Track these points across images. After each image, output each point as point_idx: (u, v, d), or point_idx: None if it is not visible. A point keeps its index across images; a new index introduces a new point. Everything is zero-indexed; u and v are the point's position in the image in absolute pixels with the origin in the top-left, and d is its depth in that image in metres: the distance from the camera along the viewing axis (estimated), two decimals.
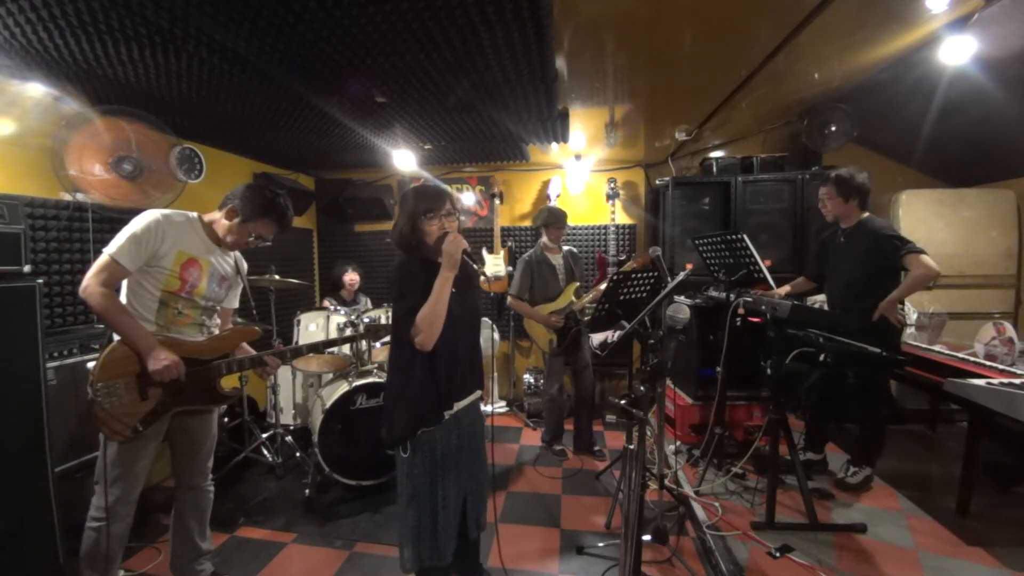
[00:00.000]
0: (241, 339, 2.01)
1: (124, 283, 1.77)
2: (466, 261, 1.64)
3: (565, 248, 3.51)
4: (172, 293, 1.81)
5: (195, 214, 1.91)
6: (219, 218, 1.90)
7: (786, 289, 2.95)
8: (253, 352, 2.01)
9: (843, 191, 2.63)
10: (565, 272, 3.45)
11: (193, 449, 1.99)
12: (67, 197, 2.58)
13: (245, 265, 2.12)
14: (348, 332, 3.23)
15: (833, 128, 3.52)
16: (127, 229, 1.73)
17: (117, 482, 1.75)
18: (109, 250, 1.69)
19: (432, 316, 1.57)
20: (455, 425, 1.75)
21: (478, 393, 1.88)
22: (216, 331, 2.00)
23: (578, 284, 3.44)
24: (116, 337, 1.71)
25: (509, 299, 3.44)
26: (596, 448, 3.55)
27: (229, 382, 3.78)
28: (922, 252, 2.45)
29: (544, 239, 3.46)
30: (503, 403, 4.59)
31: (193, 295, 1.86)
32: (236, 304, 2.13)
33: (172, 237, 1.78)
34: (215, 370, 1.89)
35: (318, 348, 2.24)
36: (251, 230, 1.89)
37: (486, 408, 1.93)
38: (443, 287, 1.59)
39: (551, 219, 3.38)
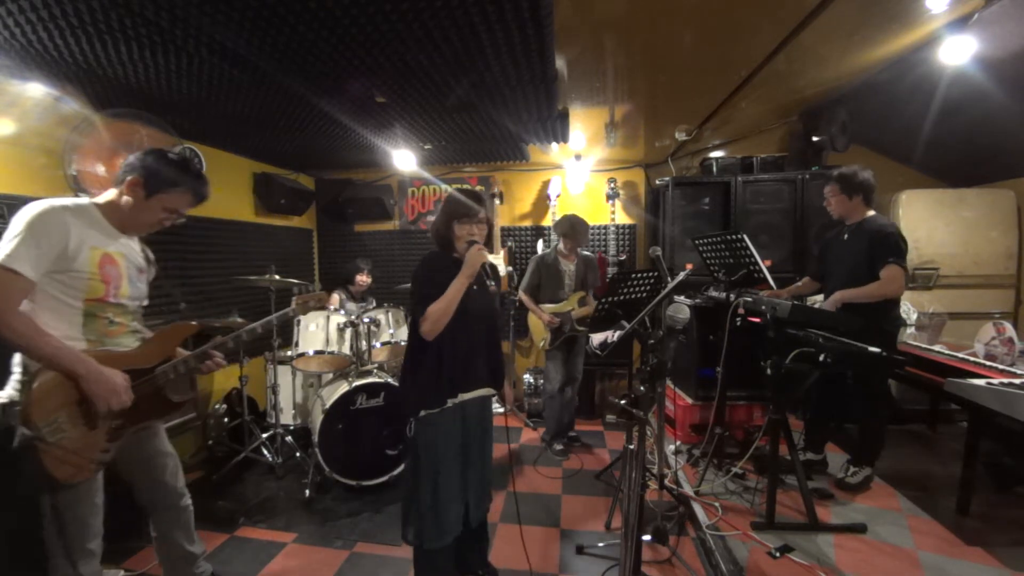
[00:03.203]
0: (180, 337, 1.79)
1: (25, 300, 1.40)
2: (483, 273, 1.79)
3: (583, 253, 3.57)
4: (99, 300, 1.53)
5: (86, 199, 1.58)
6: (116, 197, 1.58)
7: (791, 289, 2.95)
8: (184, 352, 1.78)
9: (846, 188, 2.63)
10: (576, 280, 3.52)
11: (156, 475, 1.78)
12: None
13: (150, 252, 1.84)
14: (348, 332, 3.22)
15: (844, 125, 3.54)
16: (16, 227, 1.37)
17: (83, 528, 1.53)
18: None
19: (441, 312, 1.72)
20: (459, 415, 1.85)
21: (490, 391, 1.98)
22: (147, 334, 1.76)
23: (583, 294, 3.49)
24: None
25: (520, 292, 3.60)
26: (572, 434, 3.69)
27: (229, 381, 3.80)
28: (903, 269, 2.47)
29: (560, 244, 3.53)
30: (500, 401, 4.57)
31: (120, 297, 1.60)
32: (146, 300, 1.81)
33: (78, 230, 1.47)
34: (162, 377, 1.66)
35: (256, 331, 1.89)
36: (162, 204, 1.59)
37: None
38: (456, 289, 1.74)
39: (568, 230, 3.43)
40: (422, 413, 1.79)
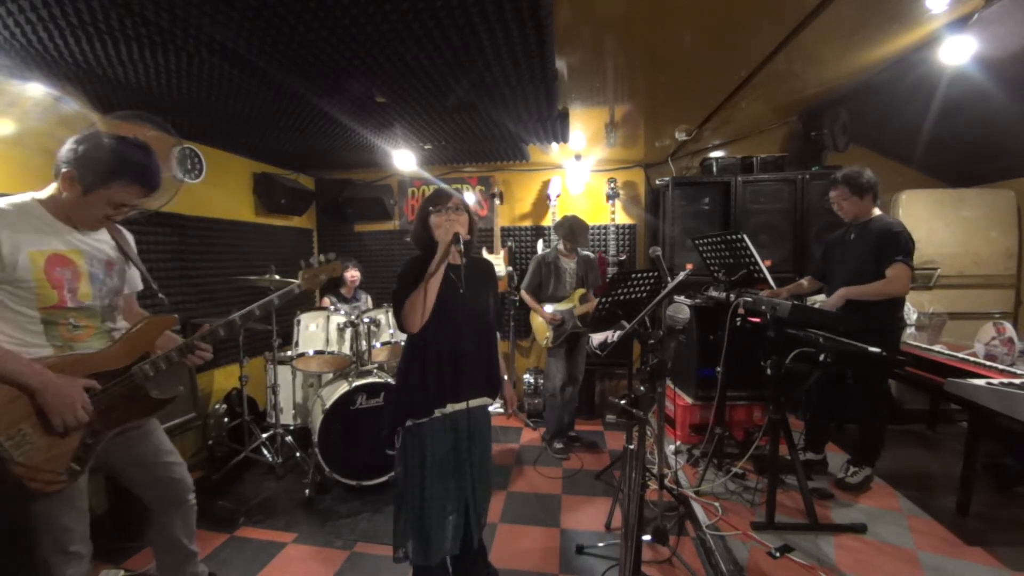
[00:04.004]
0: (157, 331, 1.65)
1: None
2: (453, 242, 1.66)
3: (583, 253, 3.59)
4: (54, 308, 1.43)
5: (29, 196, 1.45)
6: (56, 192, 1.45)
7: (791, 288, 2.94)
8: (180, 340, 1.68)
9: (856, 189, 2.62)
10: (576, 278, 3.54)
11: (160, 473, 1.73)
12: None
13: (129, 236, 1.70)
14: (348, 332, 3.22)
15: (844, 125, 3.54)
16: None
17: (64, 532, 1.46)
18: None
19: (417, 298, 1.62)
20: (449, 426, 1.75)
21: (483, 400, 1.85)
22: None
23: (584, 291, 3.51)
24: None
25: (522, 292, 3.62)
26: (572, 434, 3.71)
27: (229, 381, 3.79)
28: (909, 268, 2.46)
29: (560, 245, 3.57)
30: (502, 403, 4.58)
31: (80, 300, 1.48)
32: (140, 285, 1.75)
33: (10, 236, 1.35)
34: (138, 376, 1.55)
35: (254, 313, 1.78)
36: (105, 199, 1.43)
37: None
38: (433, 271, 1.63)
39: (568, 233, 3.48)
40: (408, 423, 1.71)
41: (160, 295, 1.78)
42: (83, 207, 1.44)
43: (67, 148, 1.41)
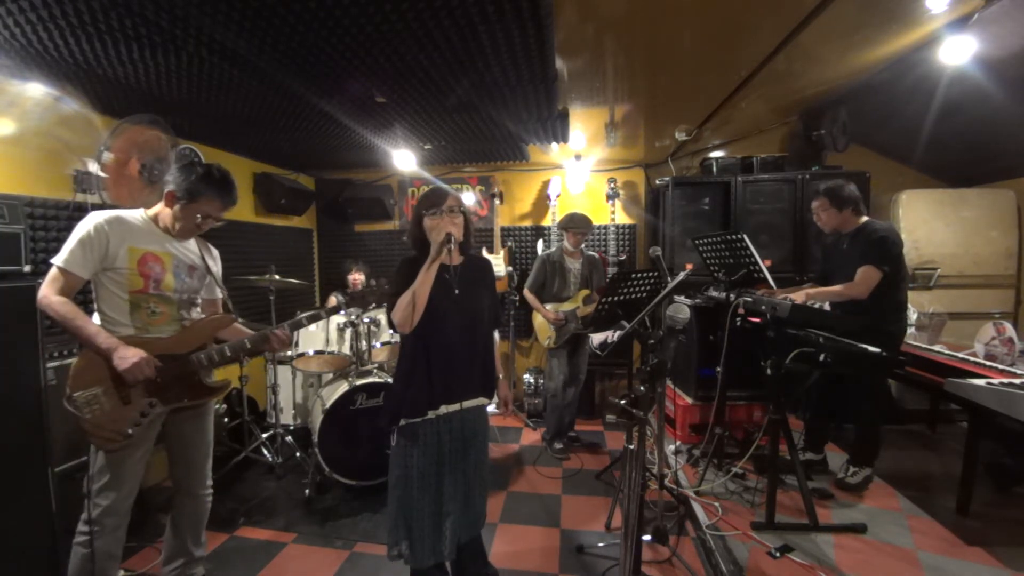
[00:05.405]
0: (214, 328, 1.94)
1: (96, 293, 1.75)
2: (444, 242, 1.63)
3: (588, 253, 3.58)
4: (139, 292, 1.75)
5: (142, 211, 1.85)
6: (161, 208, 1.84)
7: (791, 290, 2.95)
8: (249, 332, 2.00)
9: (835, 202, 2.66)
10: (581, 278, 3.52)
11: (188, 455, 1.95)
12: (67, 197, 2.58)
13: (215, 252, 2.09)
14: (348, 332, 3.23)
15: (844, 125, 3.54)
16: (72, 236, 1.67)
17: (106, 492, 1.70)
18: (57, 260, 1.64)
19: (409, 298, 1.61)
20: (444, 428, 1.74)
21: (479, 400, 1.83)
22: None
23: (588, 292, 3.50)
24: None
25: (525, 291, 3.61)
26: (572, 434, 3.71)
27: (232, 378, 3.79)
28: (876, 271, 2.47)
29: (565, 242, 3.54)
30: (498, 402, 4.57)
31: (162, 290, 1.80)
32: (219, 293, 2.07)
33: (118, 235, 1.72)
34: (194, 363, 1.82)
35: (300, 325, 2.10)
36: (195, 211, 1.81)
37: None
38: (425, 273, 1.63)
39: (569, 223, 3.46)
40: (402, 422, 1.71)
41: (228, 302, 2.10)
42: (180, 217, 1.81)
43: (171, 173, 1.81)
